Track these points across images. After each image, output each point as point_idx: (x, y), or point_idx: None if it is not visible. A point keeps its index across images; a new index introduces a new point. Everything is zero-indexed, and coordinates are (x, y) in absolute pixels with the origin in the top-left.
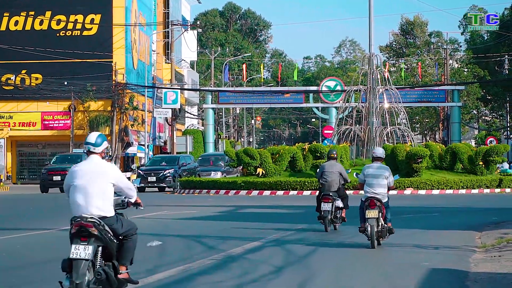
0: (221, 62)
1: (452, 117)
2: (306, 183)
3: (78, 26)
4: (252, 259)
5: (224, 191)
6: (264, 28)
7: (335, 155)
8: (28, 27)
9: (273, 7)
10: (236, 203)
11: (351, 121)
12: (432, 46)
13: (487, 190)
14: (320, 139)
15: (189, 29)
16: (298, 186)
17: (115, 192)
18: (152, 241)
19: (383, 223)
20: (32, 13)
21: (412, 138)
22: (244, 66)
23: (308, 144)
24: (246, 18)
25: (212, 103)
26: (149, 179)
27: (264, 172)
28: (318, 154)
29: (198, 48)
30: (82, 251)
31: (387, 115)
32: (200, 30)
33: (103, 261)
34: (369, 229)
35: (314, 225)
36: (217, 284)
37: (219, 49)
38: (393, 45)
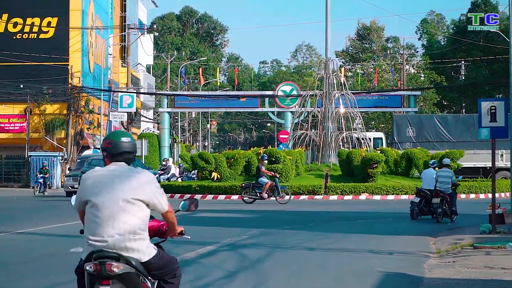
0: (177, 66)
1: None
2: None
3: (35, 29)
4: (206, 264)
5: (179, 195)
6: (220, 32)
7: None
8: None
9: (230, 12)
10: None
11: (306, 126)
12: (388, 51)
13: None
14: (276, 143)
15: (145, 32)
16: None
17: None
18: (76, 247)
19: (445, 207)
20: None
21: (367, 143)
22: (200, 70)
23: (263, 148)
24: (202, 22)
25: (167, 107)
26: None
27: (219, 176)
28: (273, 159)
29: (155, 52)
30: None
31: (343, 120)
32: (156, 34)
33: None
34: (434, 210)
35: (268, 229)
36: None
37: (176, 53)
38: (350, 50)
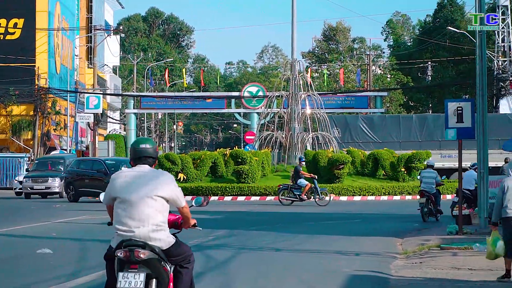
0: (143, 67)
1: None
2: (227, 189)
3: (1, 30)
4: None
5: None
6: (186, 33)
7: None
8: None
9: (196, 12)
10: None
11: (273, 127)
12: (355, 52)
13: (409, 197)
14: (242, 144)
15: (112, 34)
16: (219, 191)
17: None
18: (43, 248)
19: (430, 206)
20: None
21: (334, 144)
22: (166, 71)
23: (229, 149)
24: (169, 23)
25: (134, 108)
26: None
27: (185, 177)
28: (240, 160)
29: (121, 53)
30: None
31: (309, 121)
32: (123, 35)
33: None
34: (420, 209)
35: (234, 230)
36: None
37: (142, 54)
38: (316, 51)
